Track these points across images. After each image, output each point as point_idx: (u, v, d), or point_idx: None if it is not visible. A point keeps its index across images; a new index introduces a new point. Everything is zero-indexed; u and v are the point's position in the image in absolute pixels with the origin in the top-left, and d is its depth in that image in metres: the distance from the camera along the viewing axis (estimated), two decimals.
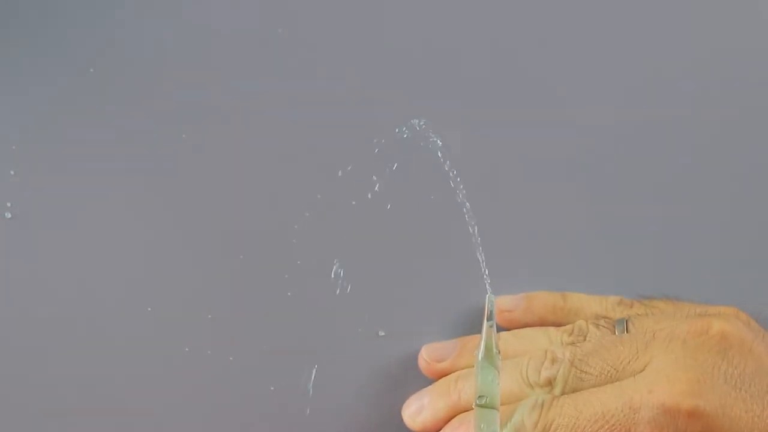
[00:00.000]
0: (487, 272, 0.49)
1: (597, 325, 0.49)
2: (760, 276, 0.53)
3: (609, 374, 0.46)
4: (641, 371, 0.45)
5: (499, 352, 0.47)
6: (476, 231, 0.50)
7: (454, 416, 0.48)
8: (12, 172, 0.50)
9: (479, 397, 0.46)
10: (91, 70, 0.50)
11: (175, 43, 0.51)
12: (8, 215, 0.50)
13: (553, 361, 0.47)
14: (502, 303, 0.51)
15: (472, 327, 0.51)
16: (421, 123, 0.51)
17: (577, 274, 0.53)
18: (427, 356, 0.51)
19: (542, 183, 0.53)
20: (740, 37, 0.54)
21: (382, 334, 0.52)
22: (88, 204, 0.50)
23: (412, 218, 0.52)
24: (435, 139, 0.51)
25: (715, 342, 0.45)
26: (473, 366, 0.47)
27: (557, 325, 0.50)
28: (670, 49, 0.54)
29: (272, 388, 0.51)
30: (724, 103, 0.54)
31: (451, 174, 0.51)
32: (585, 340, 0.48)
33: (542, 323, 0.51)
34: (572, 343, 0.48)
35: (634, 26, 0.54)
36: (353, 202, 0.51)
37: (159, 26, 0.51)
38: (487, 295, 0.48)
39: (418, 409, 0.50)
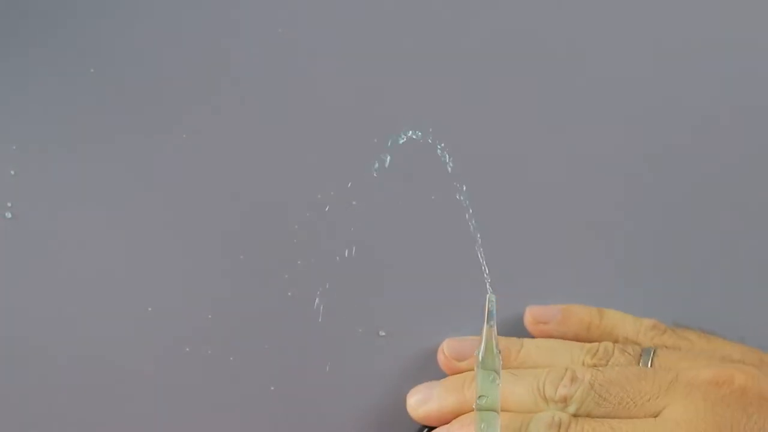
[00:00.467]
0: (487, 272, 0.49)
1: (623, 351, 0.49)
2: None
3: (626, 406, 0.46)
4: (659, 413, 0.45)
5: (500, 352, 0.47)
6: (476, 231, 0.50)
7: (460, 414, 0.48)
8: (12, 172, 0.50)
9: (479, 397, 0.46)
10: (92, 70, 0.50)
11: (175, 43, 0.51)
12: (8, 215, 0.50)
13: (573, 380, 0.47)
14: (537, 313, 0.51)
15: (473, 327, 0.51)
16: (422, 126, 0.51)
17: (577, 274, 0.53)
18: (448, 352, 0.51)
19: (543, 183, 0.53)
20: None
21: (383, 334, 0.52)
22: (88, 204, 0.50)
23: (412, 218, 0.52)
24: (436, 139, 0.51)
25: (735, 397, 0.45)
26: None
27: (591, 342, 0.50)
28: (686, 49, 0.54)
29: (272, 388, 0.51)
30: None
31: (451, 174, 0.51)
32: (607, 364, 0.48)
33: (576, 339, 0.51)
34: (594, 365, 0.48)
35: (641, 28, 0.54)
36: (353, 202, 0.51)
37: (159, 26, 0.51)
38: (487, 295, 0.48)
39: (425, 398, 0.50)
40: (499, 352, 0.47)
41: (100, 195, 0.50)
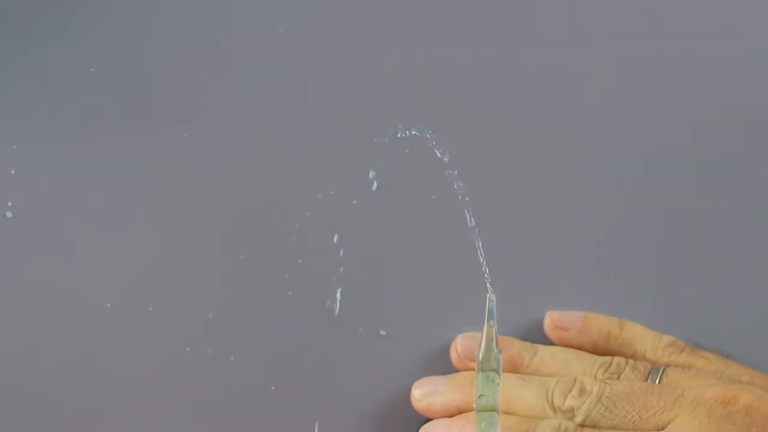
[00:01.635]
0: (487, 272, 0.49)
1: (634, 367, 0.49)
2: None
3: (632, 420, 0.46)
4: (663, 428, 0.46)
5: (500, 352, 0.47)
6: (477, 231, 0.50)
7: (464, 412, 0.49)
8: (13, 172, 0.50)
9: (479, 396, 0.47)
10: (92, 69, 0.50)
11: (176, 43, 0.51)
12: (9, 215, 0.50)
13: (581, 391, 0.47)
14: (557, 319, 0.52)
15: (473, 327, 0.51)
16: (423, 126, 0.51)
17: (578, 274, 0.53)
18: (461, 350, 0.51)
19: (543, 183, 0.53)
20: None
21: (383, 333, 0.52)
22: (89, 204, 0.50)
23: (412, 218, 0.52)
24: (436, 139, 0.51)
25: (740, 416, 0.45)
26: (504, 370, 0.48)
27: (609, 352, 0.51)
28: (685, 51, 0.54)
29: (272, 388, 0.51)
30: None
31: (451, 174, 0.51)
32: (618, 379, 0.49)
33: (595, 348, 0.51)
34: (605, 380, 0.48)
35: (643, 28, 0.54)
36: (354, 202, 0.51)
37: (159, 26, 0.51)
38: (488, 295, 0.48)
39: (430, 392, 0.50)
40: (500, 352, 0.47)
41: (101, 195, 0.50)
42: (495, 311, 0.47)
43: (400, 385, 0.51)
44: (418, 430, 0.51)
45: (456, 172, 0.51)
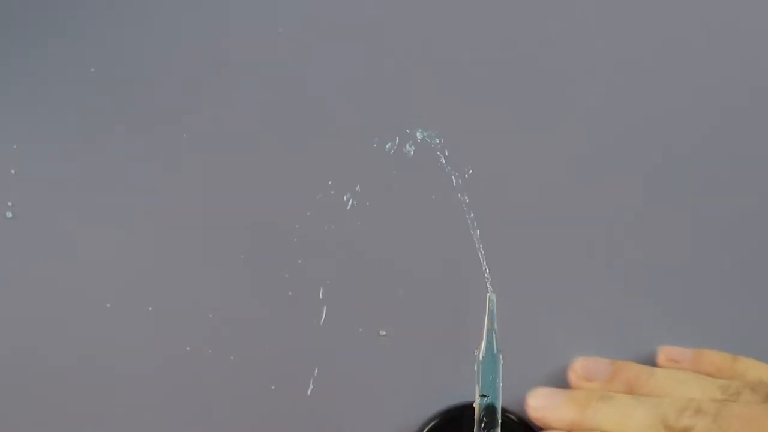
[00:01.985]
0: (487, 272, 0.49)
1: (754, 390, 0.49)
2: None
3: None
4: None
5: (500, 351, 0.47)
6: (477, 231, 0.50)
7: (575, 428, 0.48)
8: (13, 171, 0.50)
9: (480, 396, 0.47)
10: (92, 69, 0.50)
11: (176, 44, 0.51)
12: (9, 215, 0.50)
13: (697, 411, 0.47)
14: (670, 353, 0.52)
15: (473, 327, 0.51)
16: (424, 130, 0.51)
17: (579, 274, 0.53)
18: (581, 371, 0.51)
19: (543, 182, 0.53)
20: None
21: (383, 333, 0.52)
22: (89, 204, 0.50)
23: (413, 218, 0.52)
24: (436, 139, 0.51)
25: None
26: (620, 392, 0.48)
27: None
28: (685, 54, 0.54)
29: (272, 388, 0.51)
30: None
31: (452, 174, 0.51)
32: (736, 401, 0.48)
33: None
34: (722, 401, 0.48)
35: (642, 30, 0.54)
36: (354, 202, 0.51)
37: (159, 26, 0.51)
38: (488, 295, 0.48)
39: (546, 405, 0.50)
40: (500, 352, 0.47)
41: (101, 195, 0.50)
42: (495, 311, 0.47)
43: (400, 385, 0.51)
44: (420, 431, 0.51)
45: (457, 172, 0.51)
